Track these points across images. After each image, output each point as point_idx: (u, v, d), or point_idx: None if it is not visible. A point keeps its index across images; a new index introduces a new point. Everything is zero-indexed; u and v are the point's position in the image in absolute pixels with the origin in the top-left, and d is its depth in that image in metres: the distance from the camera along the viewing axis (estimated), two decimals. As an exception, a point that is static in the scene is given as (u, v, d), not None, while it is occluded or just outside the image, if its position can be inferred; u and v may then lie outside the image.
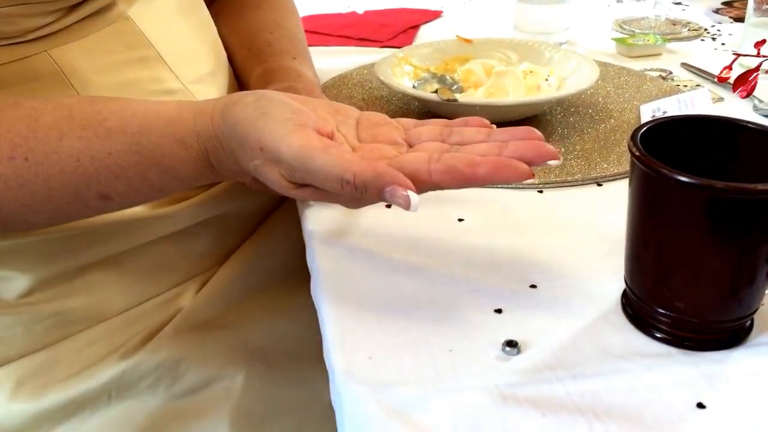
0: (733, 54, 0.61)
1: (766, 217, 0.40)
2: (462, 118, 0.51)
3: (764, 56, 0.58)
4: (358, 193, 0.42)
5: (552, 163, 0.44)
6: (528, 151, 0.44)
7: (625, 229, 0.45)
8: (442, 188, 0.44)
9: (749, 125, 0.45)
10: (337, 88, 0.85)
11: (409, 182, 0.41)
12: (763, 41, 0.59)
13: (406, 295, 0.49)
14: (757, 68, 0.58)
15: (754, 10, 0.90)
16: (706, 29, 1.08)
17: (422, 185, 0.43)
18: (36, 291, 0.57)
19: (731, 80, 0.64)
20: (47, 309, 0.58)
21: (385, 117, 0.52)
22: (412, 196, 0.41)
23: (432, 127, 0.50)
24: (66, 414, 0.56)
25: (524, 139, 0.46)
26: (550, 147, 0.45)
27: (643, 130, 0.44)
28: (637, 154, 0.42)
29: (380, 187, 0.41)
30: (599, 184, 0.64)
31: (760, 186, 0.38)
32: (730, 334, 0.44)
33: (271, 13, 0.82)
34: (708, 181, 0.39)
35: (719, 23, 1.12)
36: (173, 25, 0.64)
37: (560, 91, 0.75)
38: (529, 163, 0.43)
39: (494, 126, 0.50)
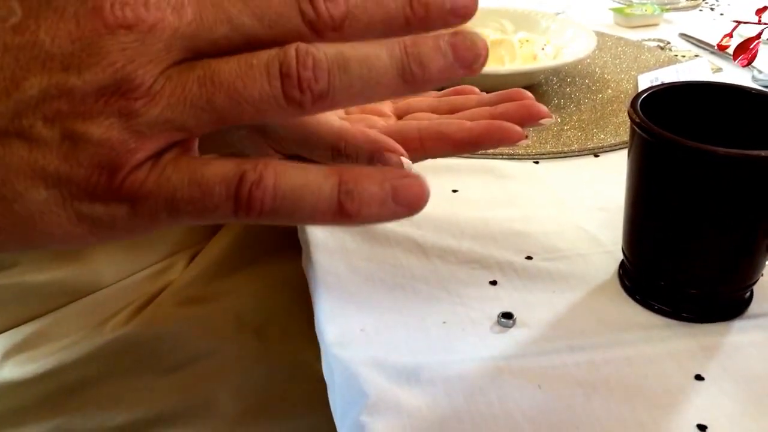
0: (733, 22, 0.59)
1: (766, 183, 0.39)
2: (453, 87, 0.50)
3: (765, 23, 0.57)
4: (348, 161, 0.41)
5: (544, 121, 0.43)
6: (519, 111, 0.43)
7: (622, 200, 0.45)
8: (434, 156, 0.43)
9: (750, 91, 0.44)
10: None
11: (401, 148, 0.40)
12: (765, 8, 0.58)
13: (400, 267, 0.48)
14: (758, 36, 0.57)
15: (754, -22, 0.89)
16: (704, -1, 1.07)
17: (414, 153, 0.41)
18: (24, 262, 0.56)
19: (731, 49, 0.62)
20: (36, 280, 0.57)
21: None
22: (406, 161, 0.39)
23: (421, 98, 0.49)
24: (54, 386, 0.56)
25: (514, 100, 0.45)
26: (540, 106, 0.44)
27: (642, 97, 0.43)
28: (638, 120, 0.40)
29: (372, 153, 0.39)
30: (596, 155, 0.63)
31: (764, 152, 0.37)
32: (729, 306, 0.43)
33: None
34: (710, 147, 0.38)
35: (718, -7, 1.11)
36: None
37: (557, 60, 0.73)
38: (521, 124, 0.42)
39: (485, 93, 0.49)
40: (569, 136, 0.64)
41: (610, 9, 0.98)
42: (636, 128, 0.41)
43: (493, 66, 0.73)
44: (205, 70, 0.22)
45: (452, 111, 0.47)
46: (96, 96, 0.21)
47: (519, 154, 0.61)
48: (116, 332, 0.56)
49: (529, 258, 0.49)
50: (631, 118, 0.41)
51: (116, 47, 0.21)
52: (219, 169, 0.23)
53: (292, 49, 0.22)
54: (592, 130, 0.66)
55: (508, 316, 0.43)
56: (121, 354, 0.56)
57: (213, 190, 0.22)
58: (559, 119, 0.68)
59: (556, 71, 0.76)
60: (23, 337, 0.56)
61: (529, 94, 0.46)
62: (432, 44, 0.24)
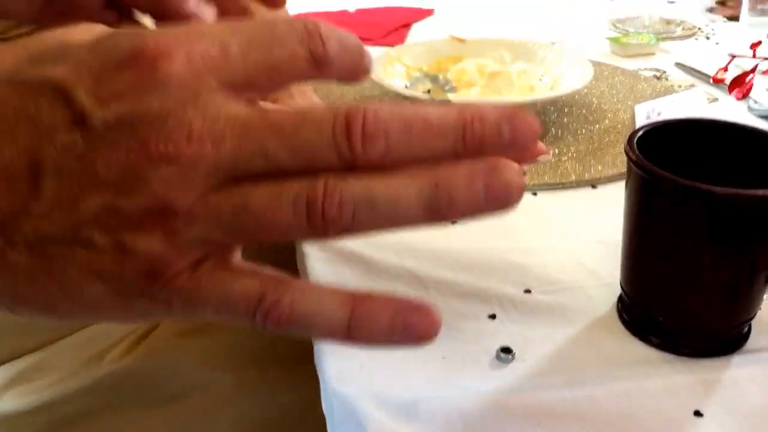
0: (729, 55, 0.60)
1: (764, 222, 0.39)
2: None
3: (760, 57, 0.58)
4: None
5: (542, 158, 0.43)
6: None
7: (620, 233, 0.45)
8: None
9: (745, 128, 0.45)
10: (329, 87, 0.84)
11: None
12: (759, 42, 0.59)
13: (399, 300, 0.48)
14: (753, 70, 0.58)
15: (749, 10, 0.90)
16: (699, 28, 1.08)
17: None
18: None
19: (727, 81, 0.63)
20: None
21: None
22: None
23: None
24: (53, 418, 0.56)
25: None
26: (538, 143, 0.44)
27: (639, 134, 0.43)
28: (634, 158, 0.41)
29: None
30: (594, 187, 0.63)
31: (761, 192, 0.38)
32: (727, 341, 0.44)
33: (263, 10, 0.81)
34: (707, 186, 0.38)
35: (713, 22, 1.12)
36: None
37: (554, 91, 0.74)
38: (518, 161, 0.41)
39: None
40: (567, 168, 0.65)
41: (606, 38, 1.00)
42: (633, 166, 0.41)
43: (490, 97, 0.73)
44: (238, 199, 0.24)
45: None
46: (141, 216, 0.24)
47: (517, 186, 0.61)
48: (114, 364, 0.56)
49: (527, 291, 0.49)
50: (627, 155, 0.42)
51: (157, 177, 0.24)
52: (244, 287, 0.25)
53: (321, 183, 0.24)
54: (590, 161, 0.66)
55: (507, 350, 0.43)
56: (120, 386, 0.56)
57: (236, 306, 0.26)
58: (556, 150, 0.68)
59: (553, 102, 0.77)
60: (22, 369, 0.56)
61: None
62: (466, 183, 0.24)
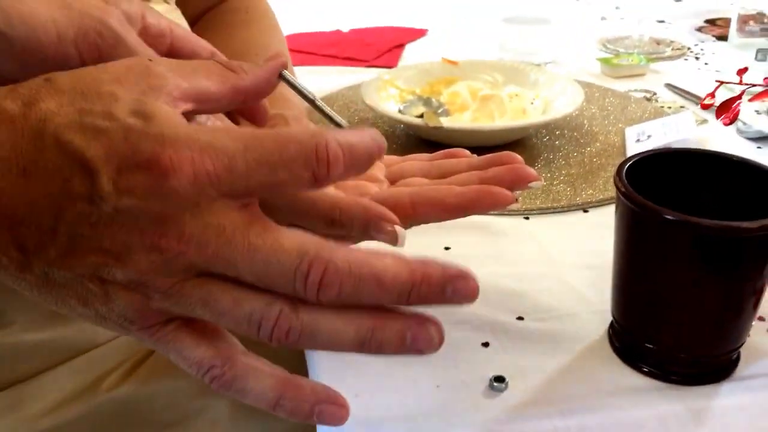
0: (716, 81, 0.61)
1: (752, 253, 0.40)
2: (444, 150, 0.50)
3: (747, 84, 0.59)
4: (343, 230, 0.41)
5: (534, 184, 0.43)
6: (508, 174, 0.44)
7: (611, 257, 0.45)
8: (426, 221, 0.43)
9: (733, 158, 0.45)
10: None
11: (394, 216, 0.39)
12: (746, 69, 0.60)
13: (393, 328, 0.49)
14: (740, 96, 0.59)
15: (737, 31, 0.91)
16: (689, 48, 1.09)
17: (406, 219, 0.41)
18: (19, 321, 0.57)
19: (715, 105, 0.64)
20: (31, 339, 0.57)
21: None
22: (399, 230, 0.39)
23: (413, 162, 0.49)
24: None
25: (504, 163, 0.45)
26: (530, 169, 0.44)
27: (629, 164, 0.44)
28: (623, 189, 0.42)
29: (366, 222, 0.39)
30: (585, 211, 0.64)
31: (745, 224, 0.38)
32: (716, 368, 0.44)
33: (258, 33, 0.82)
34: (694, 219, 0.39)
35: (702, 42, 1.13)
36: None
37: (545, 115, 0.75)
38: (510, 188, 0.42)
39: (475, 156, 0.49)
40: (558, 192, 0.66)
41: (597, 59, 1.01)
42: (621, 197, 0.42)
43: (483, 121, 0.74)
44: (206, 293, 0.30)
45: (443, 175, 0.47)
46: (128, 282, 0.29)
47: (510, 210, 0.62)
48: (111, 391, 0.56)
49: (520, 318, 0.50)
50: (616, 186, 0.42)
51: (147, 261, 0.29)
52: (198, 354, 0.31)
53: (276, 310, 0.29)
54: (581, 185, 0.67)
55: (500, 379, 0.44)
56: (116, 413, 0.56)
57: (189, 367, 0.32)
58: (548, 174, 0.69)
59: (545, 125, 0.78)
60: (18, 397, 0.56)
61: (518, 157, 0.46)
62: (397, 333, 0.30)
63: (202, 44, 0.41)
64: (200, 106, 0.33)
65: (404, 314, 0.30)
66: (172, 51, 0.40)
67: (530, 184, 0.44)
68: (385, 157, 0.50)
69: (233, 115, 0.44)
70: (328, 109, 0.40)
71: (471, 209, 0.42)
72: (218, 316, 0.30)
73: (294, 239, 0.29)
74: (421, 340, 0.30)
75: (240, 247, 0.29)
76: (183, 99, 0.32)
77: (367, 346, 0.30)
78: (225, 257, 0.29)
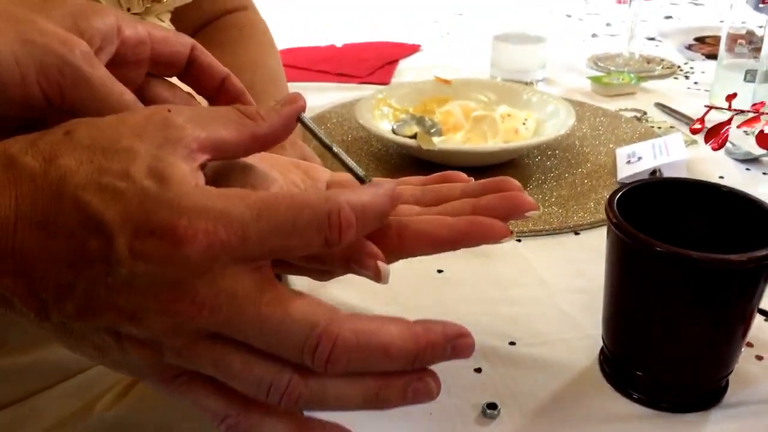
0: (705, 106, 0.62)
1: (740, 284, 0.41)
2: (439, 174, 0.47)
3: (735, 110, 0.60)
4: (323, 265, 0.39)
5: (530, 214, 0.41)
6: (502, 203, 0.41)
7: (602, 281, 0.46)
8: (413, 255, 0.40)
9: (722, 189, 0.46)
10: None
11: (377, 251, 0.37)
12: (734, 95, 0.61)
13: (387, 353, 0.49)
14: (729, 121, 0.60)
15: (726, 51, 0.92)
16: (679, 66, 1.11)
17: (392, 253, 0.39)
18: (13, 342, 0.57)
19: (705, 128, 0.65)
20: (24, 360, 0.57)
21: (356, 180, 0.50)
22: (382, 266, 0.36)
23: (405, 188, 0.46)
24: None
25: (499, 191, 0.42)
26: (526, 198, 0.41)
27: (619, 195, 0.45)
28: (614, 220, 0.42)
29: (348, 256, 0.37)
30: (576, 233, 0.65)
31: (734, 257, 0.39)
32: (706, 396, 0.45)
33: (253, 51, 0.82)
34: (684, 251, 0.39)
35: (692, 60, 1.14)
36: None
37: (537, 137, 0.76)
38: (505, 218, 0.40)
39: (471, 179, 0.46)
40: (550, 213, 0.66)
41: (588, 78, 1.02)
42: (613, 227, 0.43)
43: (476, 142, 0.75)
44: (218, 355, 0.30)
45: (436, 201, 0.44)
46: (142, 339, 0.30)
47: (502, 232, 0.63)
48: (105, 413, 0.56)
49: (512, 343, 0.50)
50: (608, 216, 0.43)
51: (160, 322, 0.29)
52: (212, 405, 0.32)
53: (286, 379, 0.30)
54: (572, 207, 0.68)
55: (492, 406, 0.44)
56: (110, 435, 0.56)
57: (205, 414, 0.32)
58: (540, 196, 0.70)
59: (536, 146, 0.79)
60: (11, 419, 0.56)
61: (515, 183, 0.42)
62: (401, 388, 0.31)
63: (182, 41, 0.40)
64: (217, 155, 0.34)
65: (405, 371, 0.31)
66: (154, 56, 0.39)
67: (526, 214, 0.41)
68: (376, 181, 0.48)
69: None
70: (346, 158, 0.39)
71: (461, 243, 0.39)
72: (228, 378, 0.31)
73: (304, 310, 0.30)
74: (421, 393, 0.31)
75: (250, 316, 0.29)
76: (201, 150, 0.32)
77: (372, 404, 0.31)
78: (236, 324, 0.29)
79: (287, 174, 0.45)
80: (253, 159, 0.41)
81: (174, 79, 0.42)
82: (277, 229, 0.30)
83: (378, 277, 0.37)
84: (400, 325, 0.31)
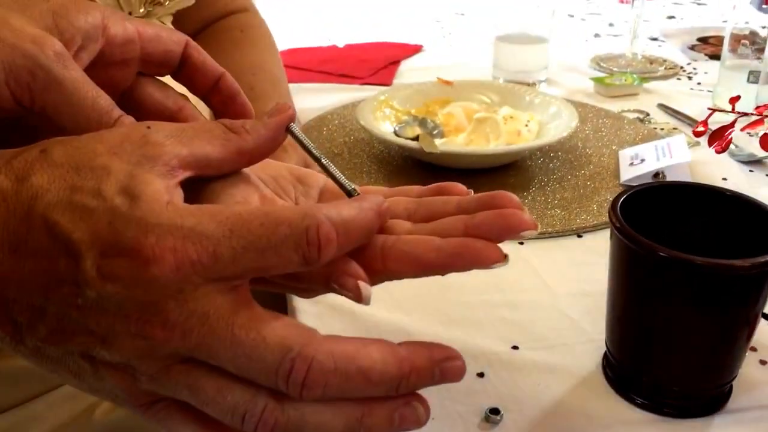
0: (708, 109, 0.61)
1: (744, 289, 0.41)
2: (436, 185, 0.42)
3: (739, 113, 0.59)
4: (301, 283, 0.36)
5: (527, 234, 0.36)
6: (497, 222, 0.36)
7: (605, 284, 0.46)
8: (398, 278, 0.36)
9: (726, 192, 0.46)
10: (318, 130, 0.85)
11: (360, 271, 0.33)
12: (738, 97, 0.60)
13: (389, 358, 0.49)
14: (732, 124, 0.59)
15: (729, 52, 0.92)
16: (682, 67, 1.10)
17: (375, 275, 0.35)
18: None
19: (709, 130, 0.65)
20: (25, 363, 0.57)
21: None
22: (364, 287, 0.33)
23: (399, 200, 0.41)
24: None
25: (496, 207, 0.37)
26: (524, 216, 0.36)
27: (623, 198, 0.45)
28: (618, 225, 0.42)
29: (328, 274, 0.33)
30: (579, 236, 0.64)
31: (738, 262, 0.39)
32: (709, 401, 0.45)
33: (254, 53, 0.82)
34: (688, 256, 0.39)
35: (695, 60, 1.14)
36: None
37: (539, 139, 0.76)
38: (498, 238, 0.35)
39: (471, 191, 0.41)
40: (553, 216, 0.66)
41: (590, 78, 1.01)
42: (616, 232, 0.42)
43: (478, 143, 0.75)
44: (192, 380, 0.29)
45: (429, 217, 0.39)
46: (116, 364, 0.29)
47: (504, 235, 0.63)
48: (105, 417, 0.56)
49: (515, 348, 0.50)
50: (611, 221, 0.43)
51: (133, 346, 0.28)
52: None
53: (261, 405, 0.29)
54: (575, 209, 0.67)
55: (495, 411, 0.44)
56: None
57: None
58: (542, 198, 0.70)
59: (539, 147, 0.78)
60: (11, 423, 0.56)
61: (514, 199, 0.37)
62: (386, 415, 0.30)
63: (175, 39, 0.39)
64: (201, 171, 0.33)
65: (390, 396, 0.30)
66: (144, 55, 0.38)
67: (522, 234, 0.36)
68: (374, 188, 0.44)
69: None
70: (334, 170, 0.37)
71: (449, 267, 0.35)
72: (203, 404, 0.29)
73: (278, 333, 0.28)
74: (408, 420, 0.30)
75: (223, 339, 0.28)
76: (182, 167, 0.31)
77: None
78: (208, 346, 0.28)
79: (279, 180, 0.41)
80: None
81: (168, 79, 0.40)
82: (251, 246, 0.28)
83: (359, 298, 0.33)
84: (382, 348, 0.29)
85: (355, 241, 0.31)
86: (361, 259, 0.34)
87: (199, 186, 0.34)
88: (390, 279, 0.36)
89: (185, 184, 0.32)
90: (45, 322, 0.28)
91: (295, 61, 1.11)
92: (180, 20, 0.73)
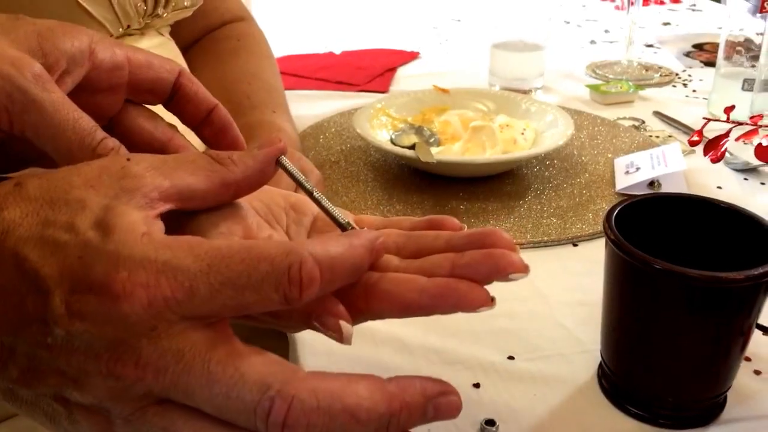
0: (704, 118, 0.62)
1: (738, 301, 0.41)
2: (428, 219, 0.40)
3: (734, 122, 0.60)
4: (279, 321, 0.35)
5: (515, 276, 0.34)
6: (485, 263, 0.34)
7: (601, 294, 0.46)
8: (381, 317, 0.35)
9: (720, 204, 0.46)
10: (315, 138, 0.86)
11: (341, 310, 0.32)
12: (732, 107, 0.61)
13: (386, 369, 0.49)
14: (727, 134, 0.60)
15: (724, 59, 0.92)
16: (677, 74, 1.11)
17: (357, 314, 0.34)
18: None
19: (705, 139, 0.65)
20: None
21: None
22: (345, 327, 0.32)
23: (390, 232, 0.39)
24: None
25: (486, 246, 0.35)
26: (514, 258, 0.34)
27: (617, 210, 0.45)
28: (613, 237, 0.42)
29: (308, 312, 0.32)
30: (575, 245, 0.65)
31: (732, 275, 0.39)
32: (704, 412, 0.45)
33: (249, 62, 0.82)
34: (682, 269, 0.39)
35: (690, 67, 1.15)
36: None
37: (535, 147, 0.76)
38: (485, 280, 0.34)
39: (465, 226, 0.40)
40: (548, 225, 0.66)
41: (586, 86, 1.02)
42: (611, 243, 0.43)
43: (474, 152, 0.75)
44: (168, 424, 0.28)
45: (417, 253, 0.38)
46: (89, 405, 0.28)
47: (500, 244, 0.63)
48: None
49: (510, 358, 0.50)
50: (606, 233, 0.43)
51: (105, 386, 0.27)
52: None
53: None
54: (571, 218, 0.68)
55: (491, 423, 0.44)
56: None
57: None
58: (538, 206, 0.70)
59: (534, 155, 0.79)
60: (14, 429, 0.56)
61: (504, 237, 0.35)
62: None
63: (167, 67, 0.38)
64: (184, 204, 0.31)
65: None
66: (132, 82, 0.37)
67: (511, 276, 0.34)
68: (367, 218, 0.43)
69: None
70: (327, 204, 0.36)
71: (432, 309, 0.34)
72: None
73: (257, 369, 0.27)
74: None
75: (199, 376, 0.26)
76: (163, 199, 0.30)
77: None
78: (183, 385, 0.27)
79: (271, 208, 0.40)
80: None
81: (160, 108, 0.39)
82: (230, 283, 0.27)
83: (340, 338, 0.32)
84: (370, 384, 0.27)
85: (342, 280, 0.30)
86: (343, 297, 0.33)
87: (184, 218, 0.33)
88: (373, 318, 0.35)
89: (170, 217, 0.31)
90: (16, 362, 0.27)
91: (292, 68, 1.11)
92: (177, 30, 0.73)
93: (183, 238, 0.28)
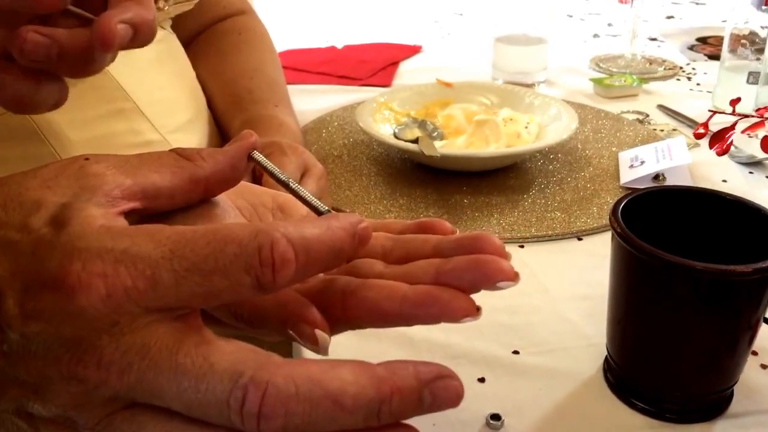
0: (709, 111, 0.61)
1: (745, 294, 0.41)
2: (419, 222, 0.38)
3: (739, 115, 0.59)
4: (254, 330, 0.33)
5: (503, 285, 0.31)
6: (470, 270, 0.31)
7: (606, 287, 0.46)
8: (359, 327, 0.33)
9: (727, 197, 0.46)
10: (317, 132, 0.85)
11: (318, 318, 0.30)
12: (738, 99, 0.60)
13: (390, 363, 0.49)
14: (733, 126, 0.59)
15: (729, 53, 0.92)
16: (681, 68, 1.10)
17: (335, 321, 0.32)
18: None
19: (710, 132, 0.65)
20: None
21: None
22: (321, 336, 0.30)
23: (378, 236, 0.37)
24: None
25: (474, 251, 0.33)
26: (502, 264, 0.31)
27: (624, 203, 0.44)
28: (619, 230, 0.42)
29: (283, 320, 0.30)
30: (580, 239, 0.64)
31: (740, 268, 0.39)
32: (710, 406, 0.45)
33: (251, 56, 0.82)
34: (689, 262, 0.39)
35: (694, 61, 1.14)
36: (151, 75, 0.63)
37: (539, 141, 0.76)
38: (472, 289, 0.31)
39: (456, 230, 0.37)
40: (553, 219, 0.66)
41: (589, 79, 1.01)
42: (617, 236, 0.42)
43: (478, 146, 0.75)
44: (137, 427, 0.25)
45: (404, 258, 0.35)
46: (54, 417, 0.26)
47: (505, 238, 0.63)
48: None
49: (515, 352, 0.50)
50: (612, 226, 0.43)
51: (67, 393, 0.25)
52: None
53: None
54: (575, 211, 0.67)
55: (496, 417, 0.44)
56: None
57: None
58: (543, 200, 0.69)
59: (538, 149, 0.78)
60: None
61: (496, 243, 0.33)
62: None
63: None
64: (150, 203, 0.30)
65: (373, 427, 0.25)
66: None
67: (499, 285, 0.31)
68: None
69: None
70: (305, 193, 0.35)
71: (413, 319, 0.31)
72: None
73: (227, 357, 0.24)
74: None
75: (165, 370, 0.24)
76: (125, 198, 0.29)
77: None
78: (149, 382, 0.24)
79: (257, 208, 0.38)
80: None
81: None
82: (195, 268, 0.25)
83: (316, 348, 0.30)
84: (355, 368, 0.25)
85: (321, 264, 0.27)
86: (320, 304, 0.31)
87: (159, 221, 0.31)
88: (353, 328, 0.33)
89: (143, 221, 0.29)
90: None
91: (294, 62, 1.11)
92: (179, 24, 0.72)
93: (143, 226, 0.26)
